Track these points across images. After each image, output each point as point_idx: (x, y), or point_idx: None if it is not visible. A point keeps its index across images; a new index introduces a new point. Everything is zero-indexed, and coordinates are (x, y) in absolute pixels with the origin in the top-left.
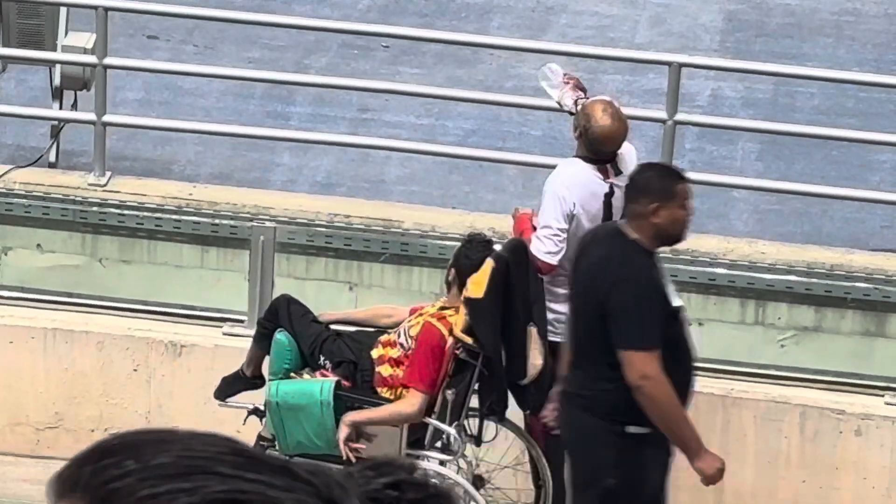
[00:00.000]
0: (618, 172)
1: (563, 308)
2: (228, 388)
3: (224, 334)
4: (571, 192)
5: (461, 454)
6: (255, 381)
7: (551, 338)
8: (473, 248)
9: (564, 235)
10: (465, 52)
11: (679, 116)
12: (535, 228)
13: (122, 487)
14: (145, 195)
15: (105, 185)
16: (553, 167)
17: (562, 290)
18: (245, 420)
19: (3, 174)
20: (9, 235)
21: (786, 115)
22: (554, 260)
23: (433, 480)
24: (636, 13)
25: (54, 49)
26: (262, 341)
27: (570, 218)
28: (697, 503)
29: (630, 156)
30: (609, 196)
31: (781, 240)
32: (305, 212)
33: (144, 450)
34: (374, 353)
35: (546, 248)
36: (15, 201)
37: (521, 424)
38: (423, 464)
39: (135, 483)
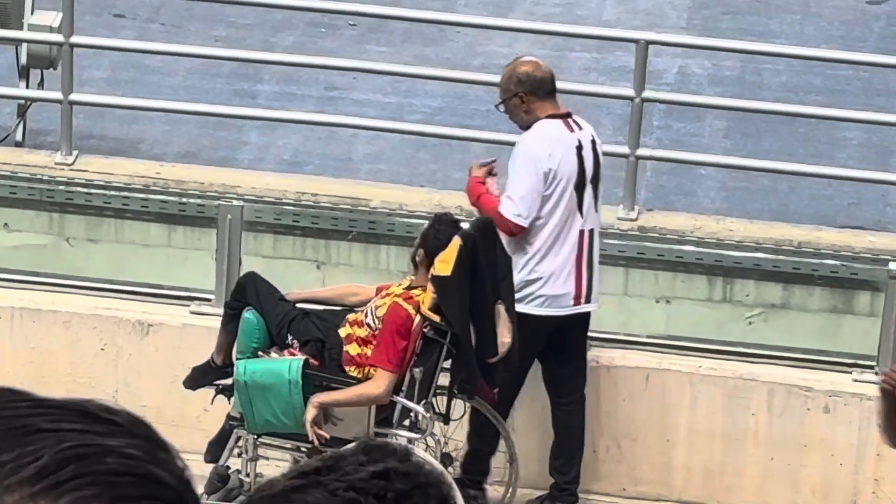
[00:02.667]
0: (580, 128)
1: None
2: (199, 378)
3: (191, 313)
4: (544, 147)
5: (429, 432)
6: (226, 370)
7: (519, 309)
8: (441, 227)
9: (536, 196)
10: (433, 30)
11: (646, 94)
12: (488, 193)
13: None
14: (112, 174)
15: (72, 164)
16: None
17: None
18: (213, 399)
19: None
20: None
21: (753, 93)
22: (525, 222)
23: (427, 467)
24: None
25: (20, 28)
26: (231, 324)
27: (547, 174)
28: (665, 480)
29: (590, 128)
30: (579, 149)
31: (749, 217)
32: (272, 190)
33: None
34: (342, 332)
35: (517, 209)
36: None
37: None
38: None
39: None
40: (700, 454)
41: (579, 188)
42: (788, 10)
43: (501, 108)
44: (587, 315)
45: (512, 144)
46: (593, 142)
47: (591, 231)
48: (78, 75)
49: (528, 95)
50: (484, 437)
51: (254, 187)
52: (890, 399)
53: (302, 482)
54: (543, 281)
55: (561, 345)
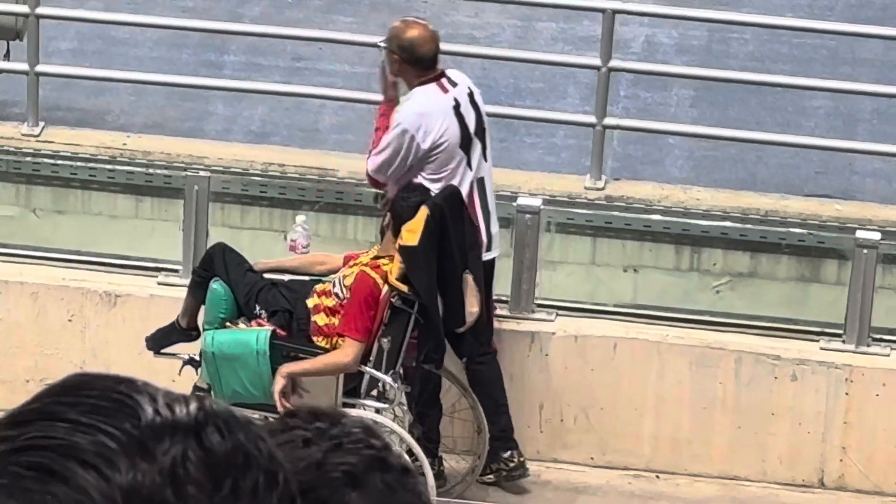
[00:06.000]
0: (454, 85)
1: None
2: (163, 339)
3: (159, 284)
4: (419, 124)
5: (397, 402)
6: (191, 333)
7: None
8: (410, 193)
9: (399, 163)
10: (399, 0)
11: (613, 63)
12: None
13: None
14: (79, 145)
15: (38, 136)
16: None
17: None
18: (180, 370)
19: None
20: None
21: (720, 62)
22: (381, 178)
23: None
24: None
25: None
26: (198, 290)
27: (418, 149)
28: (633, 449)
29: (465, 80)
30: (457, 108)
31: (716, 186)
32: (239, 161)
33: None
34: (310, 303)
35: (375, 166)
36: None
37: (458, 372)
38: (359, 412)
39: None
40: (668, 423)
41: (465, 145)
42: None
43: (383, 48)
44: (490, 264)
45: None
46: (470, 94)
47: (482, 180)
48: (44, 46)
49: (404, 63)
50: (437, 405)
51: (221, 158)
52: None
53: None
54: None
55: None
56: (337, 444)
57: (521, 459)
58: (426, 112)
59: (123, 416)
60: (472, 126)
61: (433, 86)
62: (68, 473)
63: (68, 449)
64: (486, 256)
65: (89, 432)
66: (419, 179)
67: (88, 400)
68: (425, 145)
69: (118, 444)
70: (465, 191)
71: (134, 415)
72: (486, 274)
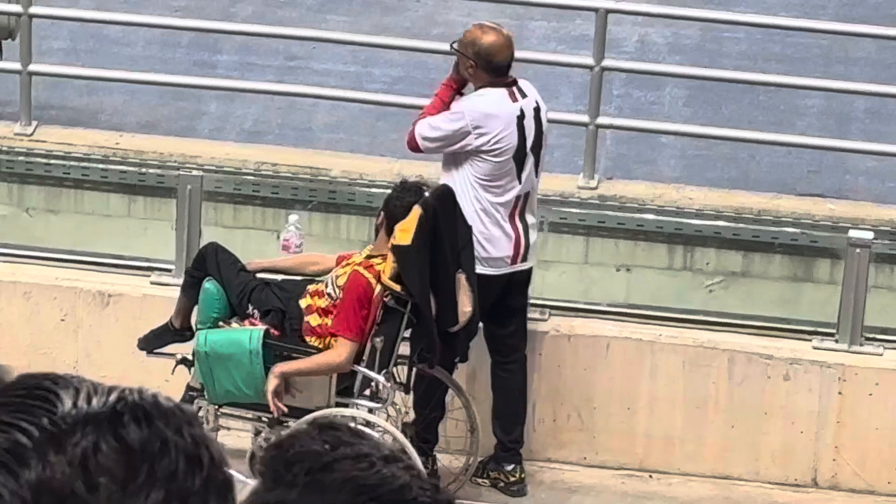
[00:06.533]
0: (523, 95)
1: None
2: (156, 339)
3: (152, 283)
4: (481, 122)
5: (390, 402)
6: (184, 333)
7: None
8: (404, 193)
9: (444, 141)
10: None
11: (606, 62)
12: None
13: None
14: (72, 144)
15: (31, 135)
16: None
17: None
18: (173, 369)
19: None
20: None
21: (713, 61)
22: (424, 147)
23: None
24: None
25: None
26: (191, 290)
27: (466, 144)
28: (626, 449)
29: (535, 93)
30: (521, 119)
31: (709, 185)
32: (232, 160)
33: None
34: (303, 303)
35: (427, 134)
36: None
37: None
38: (352, 411)
39: None
40: (661, 422)
41: (518, 158)
42: None
43: (456, 51)
44: (526, 274)
45: None
46: (537, 109)
47: (527, 194)
48: (37, 46)
49: (478, 70)
50: (430, 405)
51: (214, 157)
52: None
53: None
54: (481, 244)
55: (501, 305)
56: (416, 473)
57: (523, 476)
58: (492, 114)
59: (42, 411)
60: (529, 140)
61: (504, 90)
62: None
63: None
64: (523, 266)
65: (7, 431)
66: (473, 183)
67: (15, 399)
68: (476, 143)
69: (30, 441)
70: (508, 200)
71: (52, 409)
72: (522, 283)
